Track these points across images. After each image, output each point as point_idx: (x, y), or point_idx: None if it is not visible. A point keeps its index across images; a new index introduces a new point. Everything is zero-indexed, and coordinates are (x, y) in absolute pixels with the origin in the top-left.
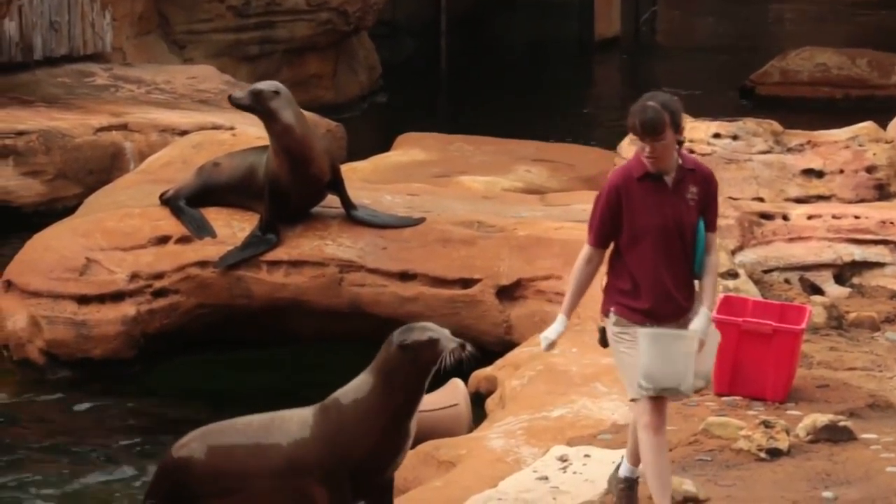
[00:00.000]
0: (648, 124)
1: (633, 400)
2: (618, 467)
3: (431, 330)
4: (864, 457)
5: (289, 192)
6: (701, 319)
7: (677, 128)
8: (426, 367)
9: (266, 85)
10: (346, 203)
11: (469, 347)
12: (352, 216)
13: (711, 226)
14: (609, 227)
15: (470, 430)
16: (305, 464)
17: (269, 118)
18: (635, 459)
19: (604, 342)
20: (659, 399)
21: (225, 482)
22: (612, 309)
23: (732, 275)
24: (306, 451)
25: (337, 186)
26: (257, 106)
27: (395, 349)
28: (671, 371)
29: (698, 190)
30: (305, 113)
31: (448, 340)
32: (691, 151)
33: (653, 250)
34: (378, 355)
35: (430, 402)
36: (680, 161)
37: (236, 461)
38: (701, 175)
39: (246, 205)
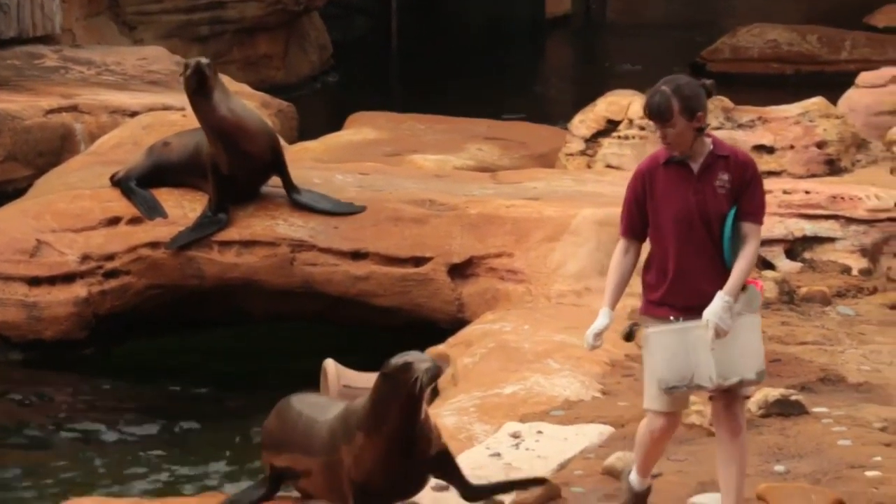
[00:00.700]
0: (654, 109)
1: (646, 410)
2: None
3: (408, 355)
4: (816, 430)
5: (228, 172)
6: (713, 305)
7: (692, 114)
8: (407, 395)
9: (205, 61)
10: (289, 186)
11: (442, 368)
12: (293, 200)
13: (749, 216)
14: (636, 215)
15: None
16: (336, 462)
17: (200, 96)
18: (644, 471)
19: (626, 336)
20: (671, 415)
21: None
22: (641, 309)
23: None
24: (336, 452)
25: (279, 168)
26: (199, 80)
27: (379, 377)
28: (677, 366)
29: (730, 178)
30: (255, 93)
31: (420, 362)
32: (641, 128)
33: (676, 240)
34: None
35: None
36: (711, 147)
37: (290, 447)
38: (735, 162)
39: (197, 185)
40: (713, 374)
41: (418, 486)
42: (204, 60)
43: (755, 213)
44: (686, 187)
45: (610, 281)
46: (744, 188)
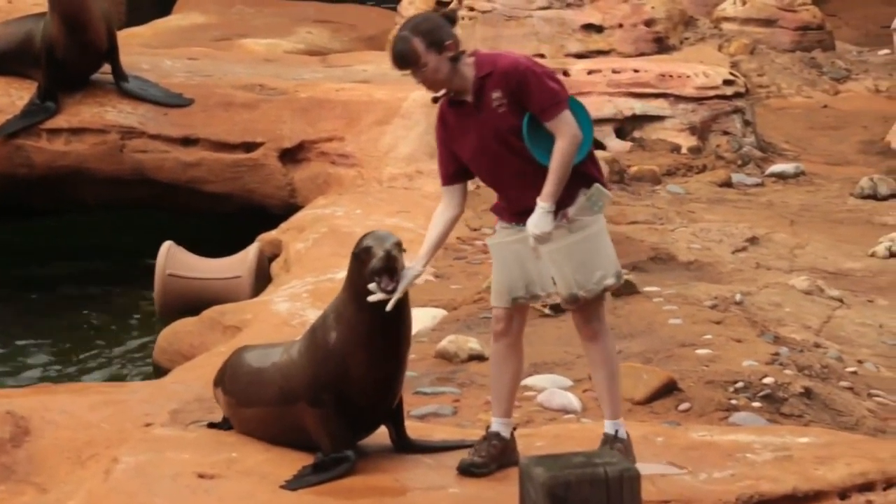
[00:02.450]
0: (400, 57)
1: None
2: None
3: (373, 237)
4: (647, 309)
5: (65, 58)
6: (532, 215)
7: (439, 46)
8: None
9: None
10: (118, 73)
11: (397, 254)
12: (121, 88)
13: (541, 114)
14: (449, 161)
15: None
16: (294, 391)
17: None
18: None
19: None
20: (505, 308)
21: (238, 405)
22: (492, 206)
23: None
24: (295, 377)
25: (111, 55)
26: None
27: (351, 258)
28: (513, 278)
29: (502, 92)
30: None
31: (378, 247)
32: (471, 9)
33: (487, 171)
34: (348, 271)
35: (217, 269)
36: (472, 72)
37: (240, 389)
38: (498, 75)
39: (24, 73)
40: (547, 286)
41: (395, 388)
42: None
43: (543, 109)
44: (472, 121)
45: (427, 234)
46: (519, 94)
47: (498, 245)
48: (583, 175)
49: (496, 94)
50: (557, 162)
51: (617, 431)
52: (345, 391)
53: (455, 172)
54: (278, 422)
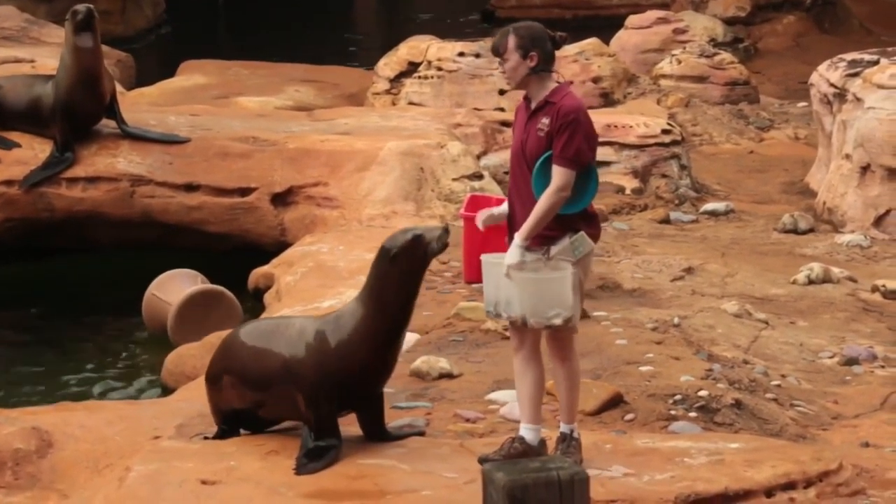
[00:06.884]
0: (494, 43)
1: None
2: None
3: (412, 229)
4: (597, 332)
5: (80, 110)
6: (510, 248)
7: (525, 52)
8: (420, 266)
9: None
10: (120, 119)
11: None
12: (124, 131)
13: (556, 158)
14: None
15: (173, 329)
16: (296, 374)
17: (87, 35)
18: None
19: None
20: (515, 322)
21: (244, 380)
22: None
23: (478, 176)
24: (299, 363)
25: (112, 103)
26: (86, 20)
27: (387, 262)
28: (488, 294)
29: (549, 122)
30: None
31: (429, 231)
32: (439, 69)
33: (512, 174)
34: (371, 273)
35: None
36: (547, 93)
37: (246, 362)
38: (555, 108)
39: (32, 130)
40: (509, 308)
41: (390, 372)
42: (92, 7)
43: (561, 156)
44: (522, 126)
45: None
46: (556, 133)
47: (485, 262)
48: (572, 226)
49: (545, 120)
50: (541, 204)
51: (572, 431)
52: (347, 381)
53: None
54: (276, 396)
